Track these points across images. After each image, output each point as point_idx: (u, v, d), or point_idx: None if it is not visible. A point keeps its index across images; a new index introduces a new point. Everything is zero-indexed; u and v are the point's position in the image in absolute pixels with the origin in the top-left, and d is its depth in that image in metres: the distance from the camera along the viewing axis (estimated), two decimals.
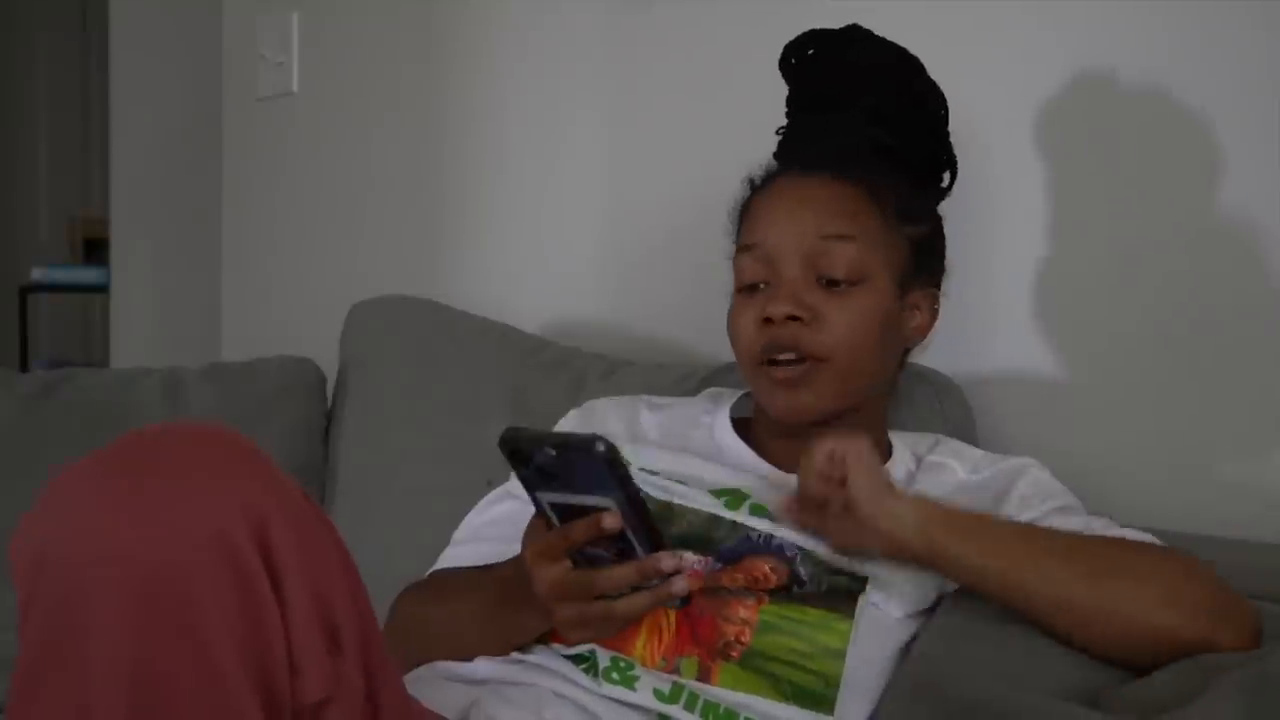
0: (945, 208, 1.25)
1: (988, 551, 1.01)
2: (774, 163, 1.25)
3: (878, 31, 1.23)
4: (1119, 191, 1.33)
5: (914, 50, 1.23)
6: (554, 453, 0.93)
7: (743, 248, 1.18)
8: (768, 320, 1.13)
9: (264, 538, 0.79)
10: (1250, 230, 1.25)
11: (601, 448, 0.91)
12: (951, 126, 1.24)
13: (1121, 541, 1.05)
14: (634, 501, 0.95)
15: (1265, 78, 1.23)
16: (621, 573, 0.97)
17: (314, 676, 0.81)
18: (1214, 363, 1.27)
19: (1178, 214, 1.30)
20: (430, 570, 1.25)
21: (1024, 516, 1.11)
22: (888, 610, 1.07)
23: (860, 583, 1.07)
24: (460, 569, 1.21)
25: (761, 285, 1.16)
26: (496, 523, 1.24)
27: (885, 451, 1.21)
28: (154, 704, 0.76)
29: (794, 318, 1.12)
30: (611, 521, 0.95)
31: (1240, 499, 1.24)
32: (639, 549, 0.97)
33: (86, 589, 0.76)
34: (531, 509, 1.17)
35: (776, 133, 1.27)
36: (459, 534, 1.26)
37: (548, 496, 0.97)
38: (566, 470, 0.94)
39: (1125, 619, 0.98)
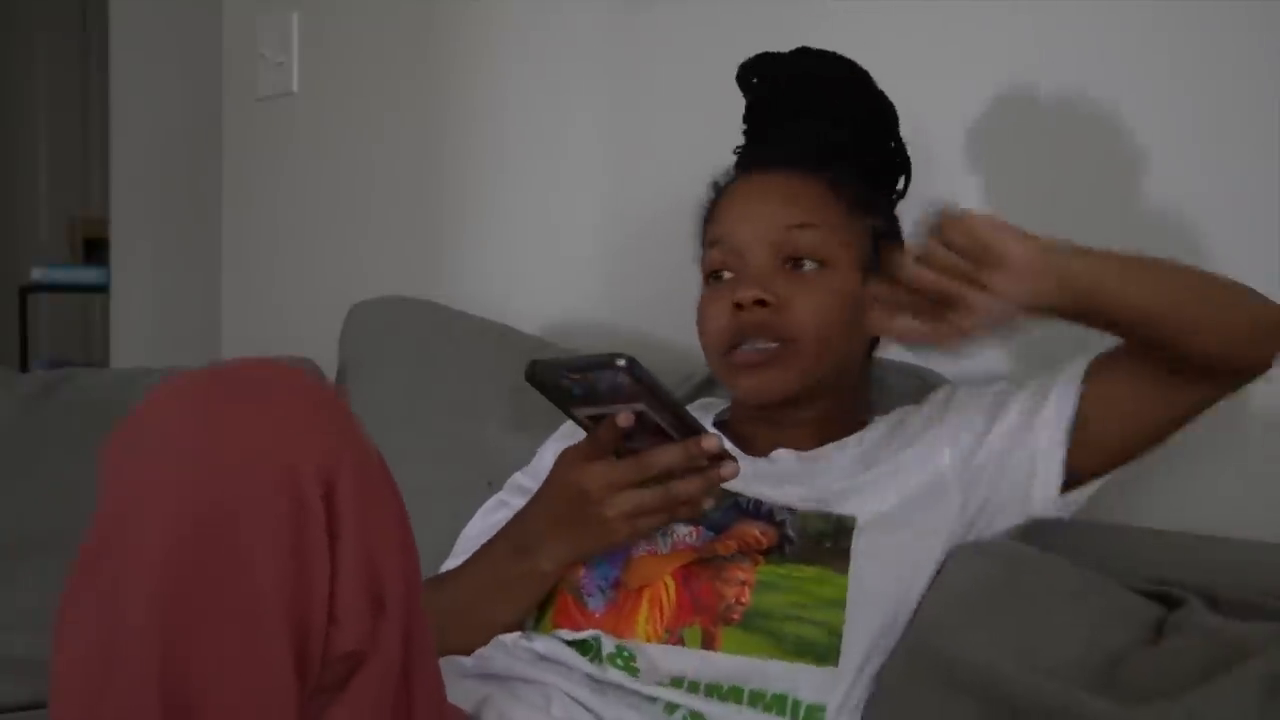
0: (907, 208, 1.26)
1: (1139, 269, 1.01)
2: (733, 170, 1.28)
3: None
4: (1107, 189, 1.33)
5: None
6: (578, 376, 0.97)
7: (709, 243, 1.22)
8: (737, 306, 1.15)
9: (330, 487, 0.80)
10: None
11: (622, 362, 0.95)
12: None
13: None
14: (664, 402, 0.99)
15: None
16: (667, 451, 1.01)
17: (350, 628, 0.82)
18: None
19: (1166, 211, 1.30)
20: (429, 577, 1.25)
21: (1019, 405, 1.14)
22: (881, 544, 1.09)
23: (847, 535, 1.09)
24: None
25: (726, 275, 1.19)
26: (491, 531, 1.24)
27: (860, 428, 1.22)
28: (186, 608, 0.77)
29: (761, 302, 1.14)
30: (625, 419, 0.99)
31: (1236, 496, 1.24)
32: (679, 439, 1.01)
33: (152, 481, 0.78)
34: None
35: (735, 152, 1.29)
36: (456, 547, 1.27)
37: (584, 411, 1.02)
38: (594, 389, 0.98)
39: (1246, 312, 1.04)
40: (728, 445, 1.19)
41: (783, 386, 1.16)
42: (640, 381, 0.96)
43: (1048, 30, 1.35)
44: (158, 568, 0.76)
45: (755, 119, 1.29)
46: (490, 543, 1.16)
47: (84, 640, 0.78)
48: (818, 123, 1.22)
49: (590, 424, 1.03)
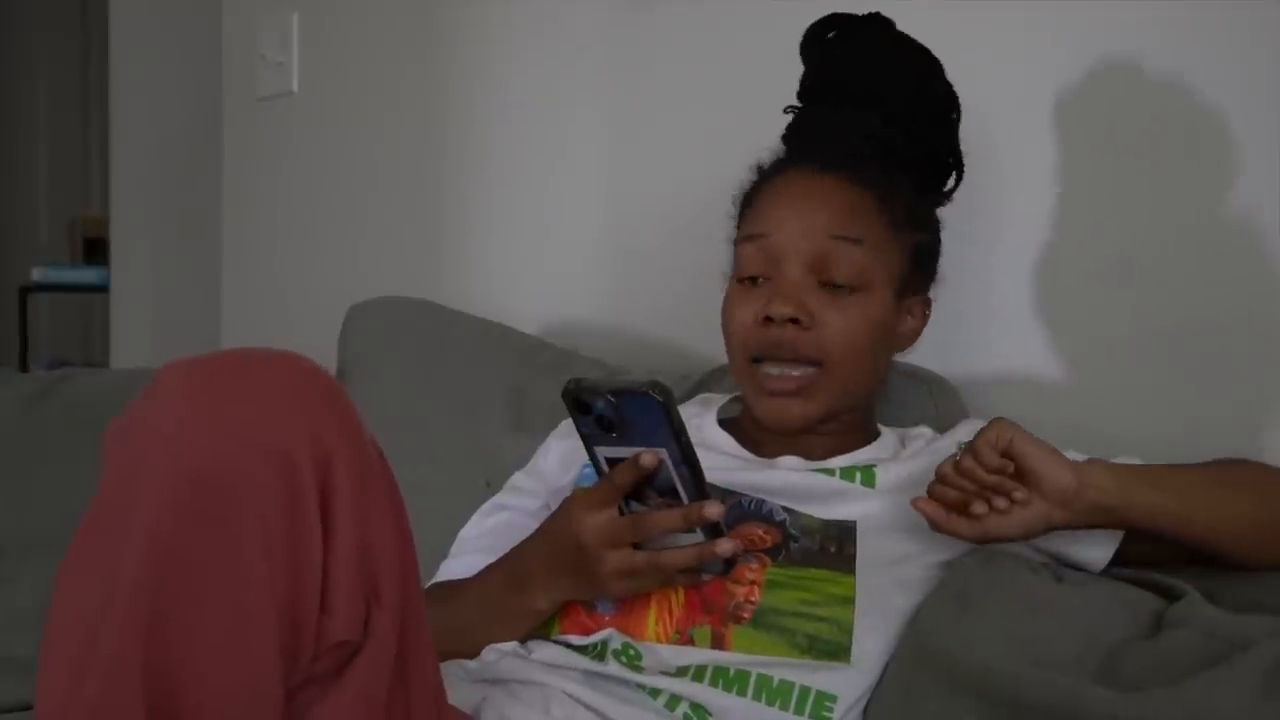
0: (943, 208, 1.25)
1: (1174, 494, 1.03)
2: (782, 149, 1.24)
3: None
4: (1117, 192, 1.33)
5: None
6: (613, 399, 0.97)
7: (747, 237, 1.18)
8: (767, 319, 1.13)
9: (325, 473, 0.80)
10: (1250, 233, 1.24)
11: (658, 395, 0.95)
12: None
13: (1235, 462, 1.10)
14: (685, 452, 0.98)
15: (1274, 78, 1.23)
16: (666, 516, 1.00)
17: (343, 617, 0.81)
18: (1211, 365, 1.27)
19: (1175, 215, 1.29)
20: (429, 585, 1.25)
21: None
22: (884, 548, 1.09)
23: (851, 540, 1.09)
24: (459, 579, 1.21)
25: (761, 279, 1.16)
26: (489, 534, 1.25)
27: (871, 439, 1.21)
28: (177, 583, 0.77)
29: (794, 320, 1.12)
30: (649, 459, 0.98)
31: None
32: (686, 500, 1.00)
33: (144, 461, 0.78)
34: (526, 520, 1.18)
35: (786, 111, 1.25)
36: (453, 548, 1.27)
37: (605, 451, 1.01)
38: (624, 419, 0.98)
39: None
40: (732, 448, 1.20)
41: (805, 415, 1.15)
42: (670, 418, 0.96)
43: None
44: (145, 549, 0.76)
45: (810, 92, 1.24)
46: (490, 570, 1.14)
47: (73, 620, 0.78)
48: (876, 119, 1.18)
49: (607, 468, 1.02)
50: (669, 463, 0.99)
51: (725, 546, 1.00)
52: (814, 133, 1.23)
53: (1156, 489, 1.03)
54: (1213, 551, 1.05)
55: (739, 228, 1.22)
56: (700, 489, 1.00)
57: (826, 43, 1.23)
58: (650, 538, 1.02)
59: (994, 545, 1.11)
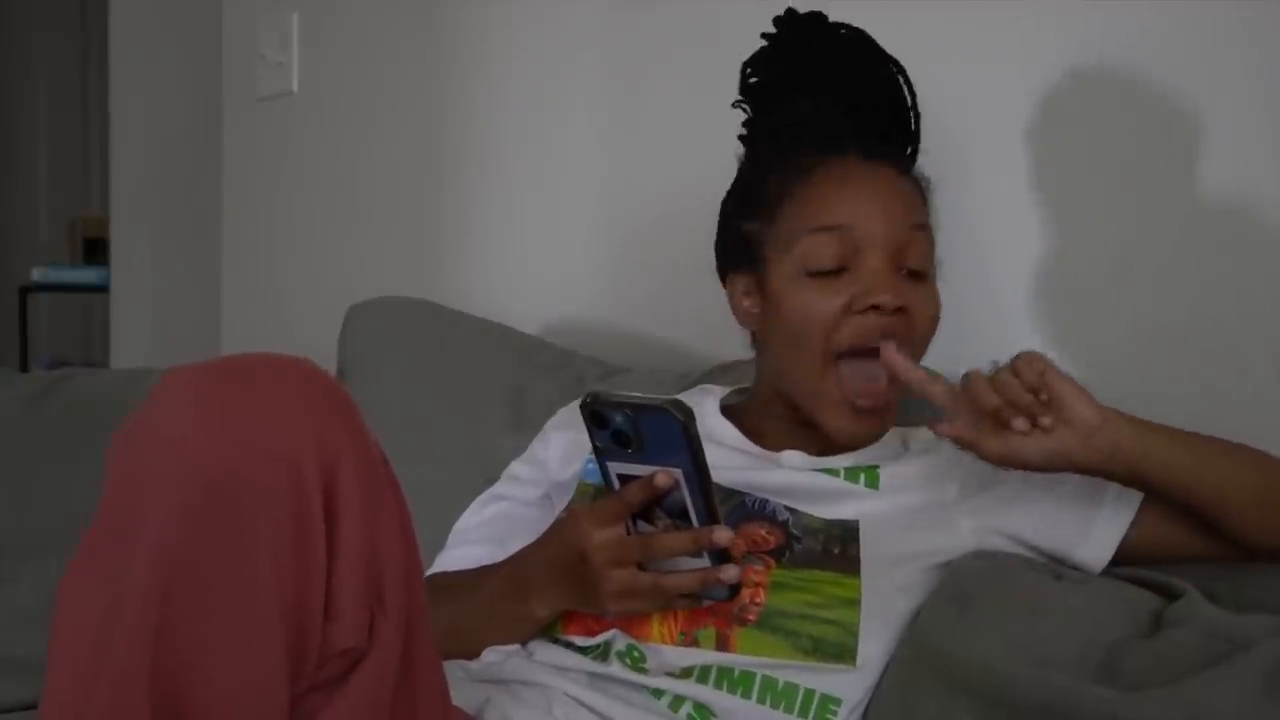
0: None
1: (1189, 451, 1.04)
2: (781, 139, 1.21)
3: (876, 23, 1.22)
4: (1118, 188, 1.33)
5: (908, 42, 1.22)
6: (632, 415, 0.95)
7: (822, 228, 1.12)
8: (872, 308, 1.10)
9: (330, 478, 0.80)
10: (1253, 232, 1.24)
11: (679, 415, 0.94)
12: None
13: (1238, 444, 1.10)
14: (701, 474, 0.97)
15: (1274, 76, 1.23)
16: (676, 539, 0.99)
17: (349, 624, 0.82)
18: (1214, 365, 1.27)
19: (1177, 214, 1.29)
20: (426, 575, 1.25)
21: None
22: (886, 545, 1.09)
23: (854, 541, 1.09)
24: (457, 571, 1.21)
25: (841, 271, 1.12)
26: (487, 524, 1.25)
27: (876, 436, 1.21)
28: (187, 590, 0.77)
29: (899, 309, 1.11)
30: (664, 480, 0.97)
31: None
32: (696, 523, 0.99)
33: (153, 468, 0.78)
34: (524, 511, 1.17)
35: (747, 82, 1.25)
36: (450, 539, 1.27)
37: (618, 467, 0.99)
38: (641, 436, 0.96)
39: None
40: (736, 439, 1.19)
41: (879, 431, 1.15)
42: (691, 440, 0.95)
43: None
44: (154, 556, 0.76)
45: (792, 86, 1.23)
46: (491, 573, 1.14)
47: (81, 626, 0.78)
48: (892, 109, 1.19)
49: (618, 484, 1.00)
50: (682, 484, 0.97)
51: (730, 573, 0.99)
52: (841, 124, 1.18)
53: (1173, 443, 1.03)
54: (1217, 516, 1.05)
55: (783, 220, 1.15)
56: (711, 512, 0.98)
57: (811, 31, 1.23)
58: (655, 558, 1.01)
59: (992, 546, 1.11)
